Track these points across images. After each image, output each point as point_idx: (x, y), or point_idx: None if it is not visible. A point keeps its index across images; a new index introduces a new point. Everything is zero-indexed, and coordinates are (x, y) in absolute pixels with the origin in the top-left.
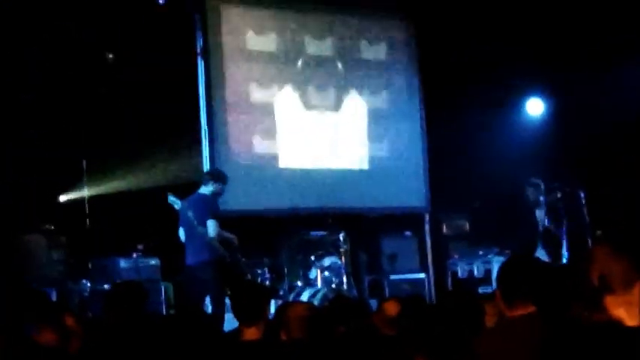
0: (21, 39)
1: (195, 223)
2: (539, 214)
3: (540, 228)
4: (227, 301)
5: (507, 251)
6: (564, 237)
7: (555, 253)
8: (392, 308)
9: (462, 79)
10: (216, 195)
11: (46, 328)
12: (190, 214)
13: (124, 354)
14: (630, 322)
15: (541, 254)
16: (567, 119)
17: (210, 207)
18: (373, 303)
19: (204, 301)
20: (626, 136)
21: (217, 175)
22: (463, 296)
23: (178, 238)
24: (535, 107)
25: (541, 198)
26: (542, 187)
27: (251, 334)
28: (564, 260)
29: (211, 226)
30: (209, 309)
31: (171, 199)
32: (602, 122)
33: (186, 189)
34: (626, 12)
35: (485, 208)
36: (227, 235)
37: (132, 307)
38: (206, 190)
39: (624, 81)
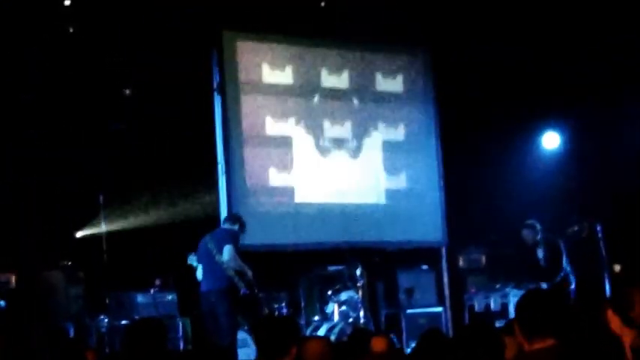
0: (43, 73)
1: (215, 252)
2: (540, 252)
3: (543, 264)
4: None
5: (524, 285)
6: (571, 268)
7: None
8: (380, 344)
9: (479, 113)
10: (236, 233)
11: None
12: (211, 245)
13: None
14: None
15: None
16: (583, 152)
17: (230, 237)
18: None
19: (220, 330)
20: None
21: (238, 218)
22: (482, 329)
23: (196, 278)
24: (551, 141)
25: (538, 238)
26: (538, 227)
27: None
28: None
29: (227, 251)
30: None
31: (190, 258)
32: (617, 155)
33: (202, 225)
34: None
35: (502, 242)
36: (243, 265)
37: (152, 344)
38: (228, 226)
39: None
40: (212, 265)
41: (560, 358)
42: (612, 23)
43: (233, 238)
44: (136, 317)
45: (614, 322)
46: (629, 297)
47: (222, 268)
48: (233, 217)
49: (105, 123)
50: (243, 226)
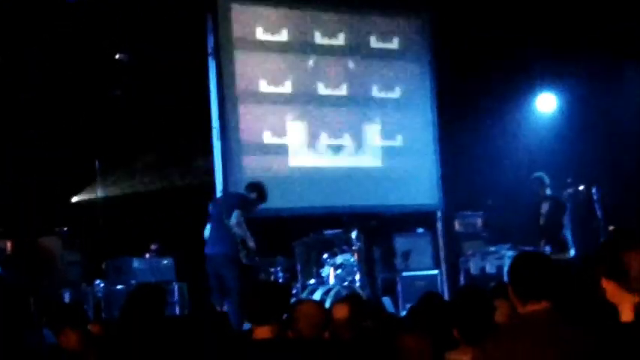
0: (38, 40)
1: (224, 215)
2: (545, 207)
3: (544, 221)
4: None
5: (519, 247)
6: (571, 232)
7: (560, 247)
8: (340, 311)
9: (475, 75)
10: (252, 201)
11: (71, 332)
12: (222, 207)
13: (142, 356)
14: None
15: (544, 249)
16: (579, 114)
17: (242, 204)
18: (387, 300)
19: (220, 292)
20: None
21: (257, 187)
22: (471, 292)
23: (202, 236)
24: (547, 103)
25: (547, 192)
26: (547, 181)
27: (262, 333)
28: (571, 254)
29: (235, 215)
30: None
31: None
32: (615, 118)
33: (198, 190)
34: None
35: (498, 205)
36: (248, 234)
37: (152, 310)
38: (247, 193)
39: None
40: (220, 229)
41: (554, 320)
42: None
43: (244, 204)
44: (133, 282)
45: (610, 289)
46: (622, 261)
47: (230, 233)
48: (252, 185)
49: (101, 89)
50: (262, 195)
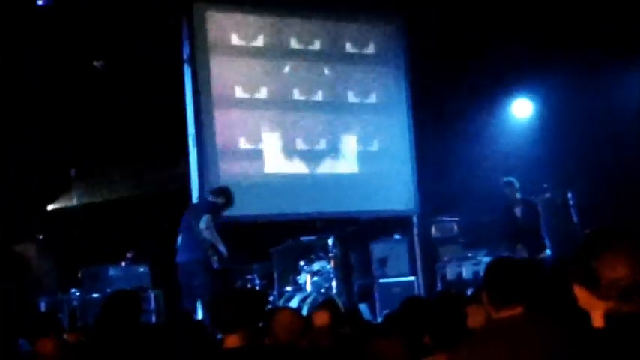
0: (7, 46)
1: (194, 223)
2: (518, 211)
3: (519, 224)
4: None
5: (495, 252)
6: (547, 236)
7: (537, 248)
8: (321, 318)
9: (451, 79)
10: (220, 208)
11: (47, 340)
12: (191, 217)
13: None
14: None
15: (521, 251)
16: (555, 120)
17: (211, 212)
18: (363, 307)
19: (193, 300)
20: (614, 137)
21: (225, 193)
22: (444, 299)
23: (174, 244)
24: (522, 108)
25: (517, 196)
26: (517, 185)
27: (231, 341)
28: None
29: (204, 220)
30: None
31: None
32: (589, 123)
33: (174, 197)
34: (620, 11)
35: (474, 210)
36: (218, 239)
37: (128, 317)
38: (213, 199)
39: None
40: (190, 236)
41: (528, 324)
42: None
43: (213, 209)
44: (109, 290)
45: (581, 296)
46: (593, 268)
47: (200, 239)
48: (218, 190)
49: (77, 96)
50: (229, 199)
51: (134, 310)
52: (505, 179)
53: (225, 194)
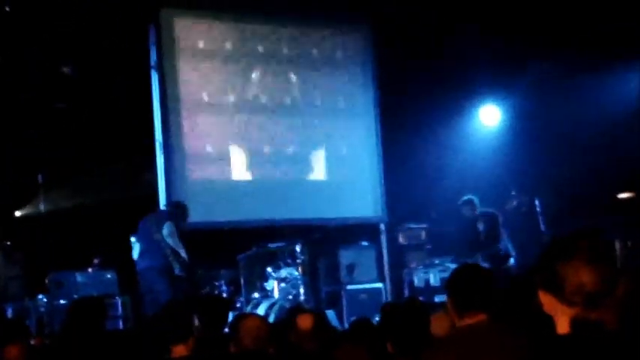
0: None
1: (154, 230)
2: (480, 225)
3: (482, 238)
4: None
5: (462, 259)
6: (511, 243)
7: (499, 260)
8: (305, 322)
9: (418, 87)
10: (179, 216)
11: (14, 347)
12: (150, 224)
13: None
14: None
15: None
16: (523, 126)
17: (170, 216)
18: (331, 314)
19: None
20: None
21: (183, 207)
22: (407, 307)
23: (132, 255)
24: (490, 115)
25: (477, 212)
26: (476, 202)
27: (179, 351)
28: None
29: (167, 227)
30: None
31: (133, 240)
32: (557, 130)
33: (141, 204)
34: (590, 15)
35: (441, 218)
36: (180, 245)
37: (92, 323)
38: (171, 209)
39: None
40: (150, 244)
41: (492, 331)
42: None
43: (174, 216)
44: (75, 296)
45: (546, 301)
46: (558, 273)
47: (160, 247)
48: (175, 203)
49: (45, 102)
50: (184, 213)
51: (99, 316)
52: (464, 198)
53: (181, 207)
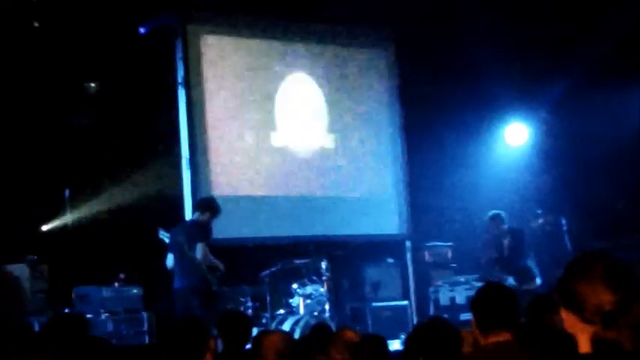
0: (7, 69)
1: (186, 247)
2: (506, 242)
3: (507, 254)
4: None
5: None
6: (537, 262)
7: (524, 277)
8: (351, 335)
9: (444, 105)
10: (207, 223)
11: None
12: (181, 238)
13: None
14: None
15: (508, 281)
16: (549, 146)
17: (201, 232)
18: None
19: None
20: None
21: (209, 204)
22: (439, 326)
23: (165, 265)
24: (517, 133)
25: (504, 227)
26: (503, 216)
27: None
28: (537, 284)
29: (199, 249)
30: None
31: (162, 233)
32: (584, 148)
33: (167, 220)
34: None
35: (467, 236)
36: (215, 261)
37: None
38: (197, 217)
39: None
40: (183, 260)
41: (515, 350)
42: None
43: (203, 231)
44: (101, 311)
45: (568, 319)
46: (578, 292)
47: (193, 264)
48: (202, 204)
49: (71, 118)
50: (215, 210)
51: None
52: (491, 213)
53: (210, 205)
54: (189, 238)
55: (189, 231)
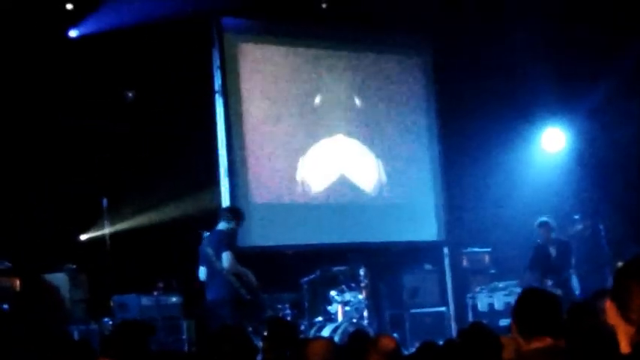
0: (39, 78)
1: (214, 258)
2: (553, 250)
3: (553, 264)
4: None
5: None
6: (576, 269)
7: (567, 288)
8: (389, 343)
9: (482, 109)
10: (233, 231)
11: None
12: (209, 250)
13: None
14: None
15: (547, 285)
16: (586, 150)
17: (227, 242)
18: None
19: None
20: None
21: (235, 213)
22: (479, 332)
23: (198, 277)
24: (554, 138)
25: (553, 235)
26: (553, 224)
27: None
28: (575, 292)
29: (225, 258)
30: None
31: (201, 270)
32: (622, 153)
33: (205, 227)
34: None
35: (505, 241)
36: (242, 269)
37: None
38: (223, 226)
39: None
40: (213, 272)
41: (557, 357)
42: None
43: (229, 239)
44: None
45: (611, 312)
46: (628, 288)
47: (222, 275)
48: (226, 213)
49: (109, 126)
50: (239, 218)
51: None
52: (540, 220)
53: (235, 214)
54: (217, 248)
55: (215, 240)
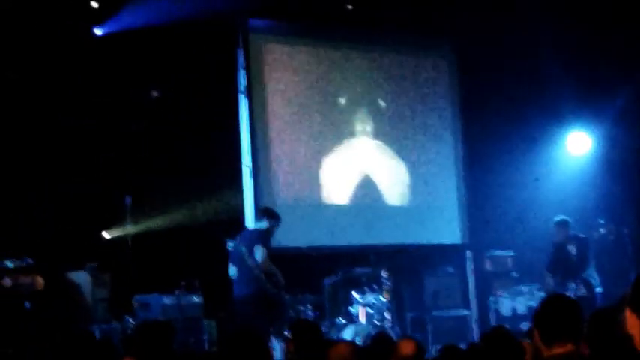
0: (65, 77)
1: (247, 256)
2: (572, 248)
3: (573, 261)
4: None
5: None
6: (598, 271)
7: (588, 285)
8: (407, 347)
9: (504, 111)
10: (268, 231)
11: None
12: (243, 248)
13: None
14: None
15: (571, 288)
16: (610, 154)
17: (263, 240)
18: None
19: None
20: None
21: (272, 213)
22: (502, 336)
23: (228, 274)
24: (578, 142)
25: (571, 233)
26: (570, 223)
27: None
28: (597, 292)
29: (259, 253)
30: None
31: (229, 243)
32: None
33: (227, 227)
34: None
35: (528, 245)
36: (273, 268)
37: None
38: (258, 225)
39: None
40: (244, 269)
41: None
42: None
43: (263, 238)
44: (162, 319)
45: (631, 321)
46: None
47: (254, 274)
48: (261, 212)
49: (133, 126)
50: (275, 218)
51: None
52: (557, 219)
53: (270, 214)
54: (249, 245)
55: (248, 238)
